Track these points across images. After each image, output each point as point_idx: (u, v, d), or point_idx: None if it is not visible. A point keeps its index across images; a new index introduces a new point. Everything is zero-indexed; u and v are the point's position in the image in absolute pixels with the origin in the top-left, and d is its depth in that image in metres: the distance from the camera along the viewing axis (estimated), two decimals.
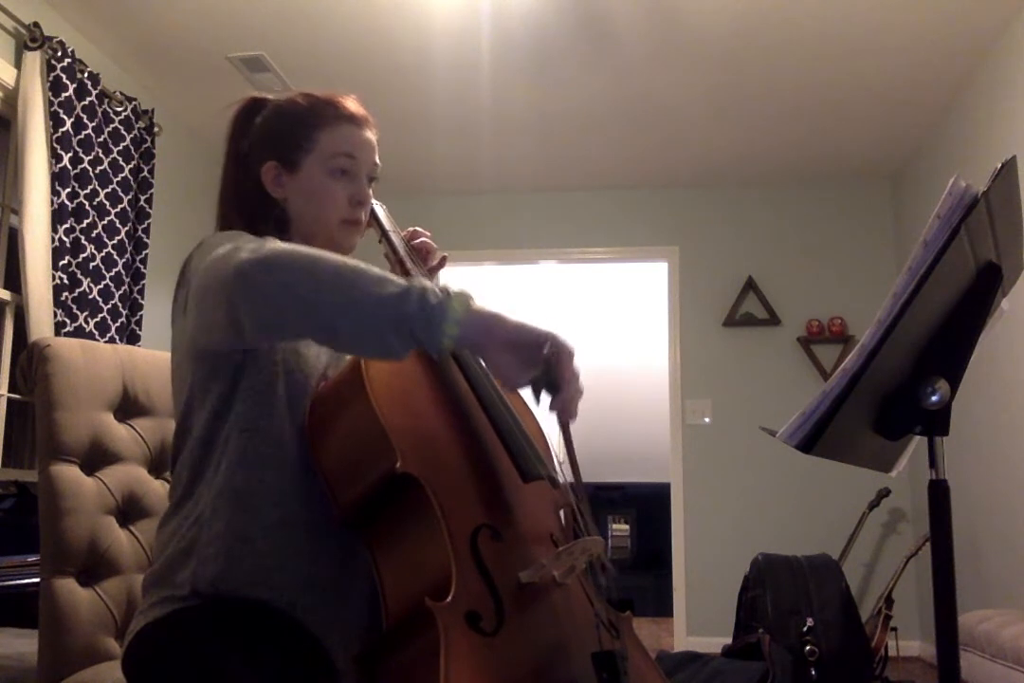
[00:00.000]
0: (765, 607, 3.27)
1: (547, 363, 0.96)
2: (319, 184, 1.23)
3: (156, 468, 1.52)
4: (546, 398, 0.99)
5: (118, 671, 1.12)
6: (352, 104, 1.27)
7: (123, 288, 3.46)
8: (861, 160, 4.69)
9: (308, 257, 0.93)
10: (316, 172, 1.23)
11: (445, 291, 0.92)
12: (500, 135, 4.40)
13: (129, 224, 3.53)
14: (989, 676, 2.61)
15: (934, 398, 1.01)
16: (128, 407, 1.49)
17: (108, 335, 3.34)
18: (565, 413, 0.99)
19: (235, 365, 1.10)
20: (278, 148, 1.25)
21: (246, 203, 1.26)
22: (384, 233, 1.32)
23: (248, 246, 0.96)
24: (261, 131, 1.28)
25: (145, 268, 3.60)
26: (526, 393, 1.03)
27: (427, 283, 0.92)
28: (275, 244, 0.95)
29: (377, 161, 1.29)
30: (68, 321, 3.10)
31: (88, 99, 3.29)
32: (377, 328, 0.90)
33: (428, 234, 1.41)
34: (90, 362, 1.43)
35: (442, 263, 1.39)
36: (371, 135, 1.28)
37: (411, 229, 1.41)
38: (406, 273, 1.26)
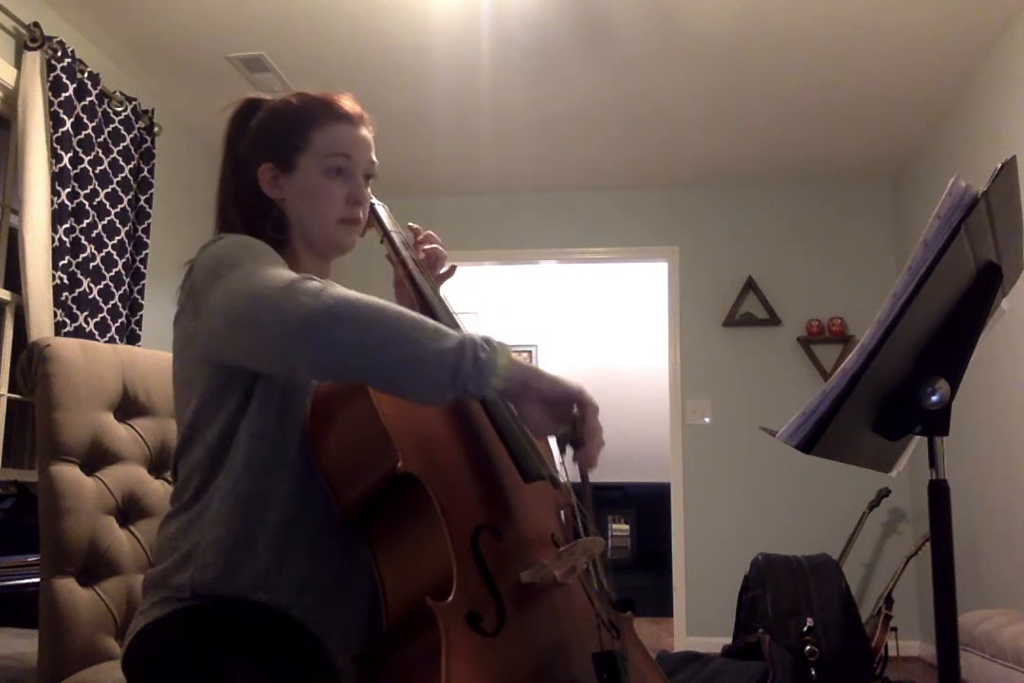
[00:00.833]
0: (765, 607, 3.27)
1: (573, 419, 1.02)
2: (315, 184, 1.22)
3: (156, 468, 1.52)
4: (570, 450, 1.05)
5: (118, 671, 1.12)
6: (347, 102, 1.25)
7: (123, 288, 3.46)
8: (861, 160, 4.69)
9: (373, 310, 0.94)
10: (312, 172, 1.22)
11: (489, 342, 0.95)
12: (500, 135, 4.40)
13: (129, 224, 3.53)
14: (989, 676, 2.61)
15: (934, 398, 1.01)
16: (128, 407, 1.49)
17: (108, 335, 3.34)
18: (587, 464, 1.04)
19: (253, 376, 1.10)
20: (273, 149, 1.24)
21: (245, 205, 1.25)
22: (386, 234, 1.31)
23: (310, 287, 0.95)
24: (256, 133, 1.27)
25: (145, 268, 3.60)
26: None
27: (475, 335, 0.95)
28: (338, 290, 0.96)
29: (374, 159, 1.27)
30: (68, 321, 3.10)
31: (88, 99, 3.29)
32: (435, 381, 0.93)
33: (439, 240, 1.38)
34: (90, 362, 1.43)
35: (451, 272, 1.38)
36: (366, 133, 1.26)
37: (424, 232, 1.39)
38: (408, 274, 1.26)
